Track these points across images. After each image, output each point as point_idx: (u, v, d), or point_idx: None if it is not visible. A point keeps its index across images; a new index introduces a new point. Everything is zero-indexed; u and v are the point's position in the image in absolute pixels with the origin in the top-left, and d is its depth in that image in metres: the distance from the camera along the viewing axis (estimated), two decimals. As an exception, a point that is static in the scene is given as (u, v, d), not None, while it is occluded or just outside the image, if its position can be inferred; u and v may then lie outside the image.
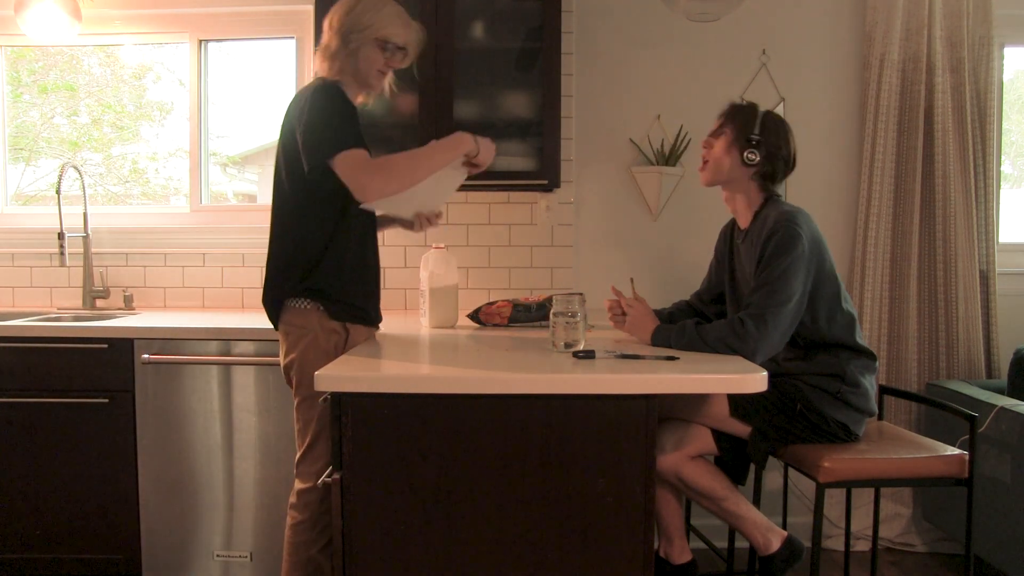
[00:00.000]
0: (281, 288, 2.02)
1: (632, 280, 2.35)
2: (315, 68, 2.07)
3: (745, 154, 2.19)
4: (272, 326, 2.08)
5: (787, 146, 2.23)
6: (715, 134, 2.26)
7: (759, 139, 2.19)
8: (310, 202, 1.98)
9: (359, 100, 2.11)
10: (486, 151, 2.11)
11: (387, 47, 2.02)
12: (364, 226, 2.08)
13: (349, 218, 2.00)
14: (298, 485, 2.04)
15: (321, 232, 1.98)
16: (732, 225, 2.39)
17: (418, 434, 1.64)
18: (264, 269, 2.08)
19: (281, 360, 2.06)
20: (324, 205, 1.97)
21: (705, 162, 2.27)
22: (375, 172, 1.90)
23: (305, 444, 2.03)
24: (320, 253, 1.98)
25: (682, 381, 1.71)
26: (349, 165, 1.88)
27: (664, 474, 2.15)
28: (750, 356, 1.98)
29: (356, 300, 2.04)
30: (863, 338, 2.22)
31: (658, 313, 2.44)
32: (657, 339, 2.08)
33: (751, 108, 2.25)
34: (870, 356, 2.20)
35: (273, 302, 2.05)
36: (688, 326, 2.03)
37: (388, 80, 2.13)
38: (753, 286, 2.09)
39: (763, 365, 1.88)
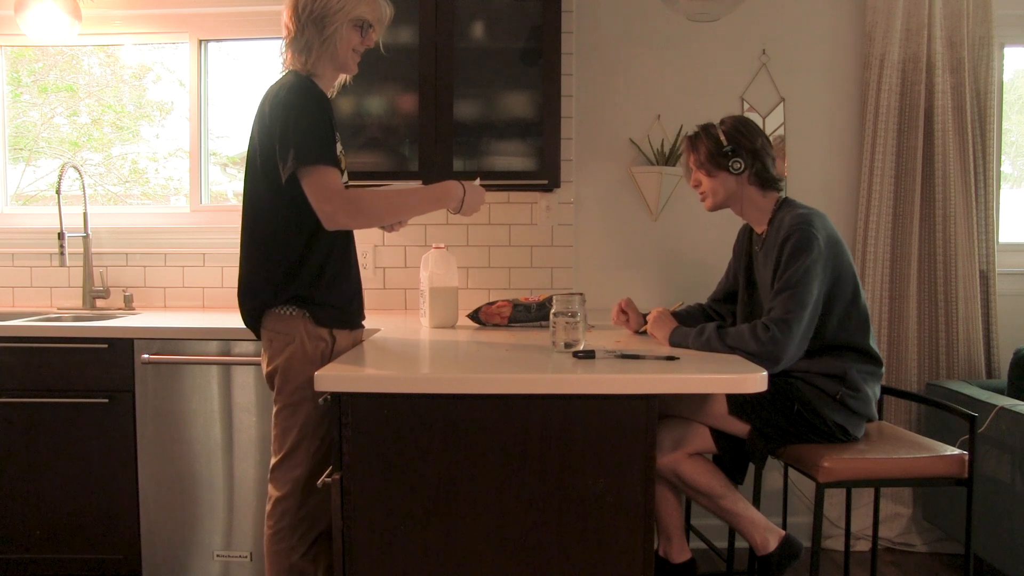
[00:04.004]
0: (262, 295, 1.95)
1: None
2: (286, 63, 2.01)
3: (730, 167, 2.22)
4: (253, 333, 2.03)
5: (759, 136, 2.25)
6: (695, 172, 2.30)
7: (732, 148, 2.21)
8: (288, 204, 1.91)
9: (330, 92, 2.06)
10: (470, 206, 2.09)
11: (362, 26, 1.98)
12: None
13: None
14: (273, 493, 1.98)
15: (300, 235, 1.92)
16: (750, 228, 2.38)
17: (418, 434, 1.64)
18: (239, 274, 2.00)
19: (264, 367, 2.00)
20: (302, 207, 1.89)
21: (702, 194, 2.31)
22: (343, 205, 1.86)
23: (283, 451, 1.97)
24: (300, 256, 1.92)
25: (682, 381, 1.71)
26: (316, 186, 1.84)
27: (663, 472, 2.15)
28: (776, 361, 1.99)
29: (341, 303, 1.99)
30: (875, 341, 2.21)
31: (683, 314, 2.45)
32: (674, 339, 2.11)
33: (705, 130, 2.28)
34: (877, 363, 2.19)
35: (253, 309, 1.99)
36: (708, 328, 2.05)
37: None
38: (774, 291, 2.09)
39: (764, 364, 1.89)
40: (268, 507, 2.00)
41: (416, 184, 2.62)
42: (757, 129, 2.26)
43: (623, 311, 2.40)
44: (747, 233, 2.40)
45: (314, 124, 1.86)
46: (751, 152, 2.22)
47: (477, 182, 2.16)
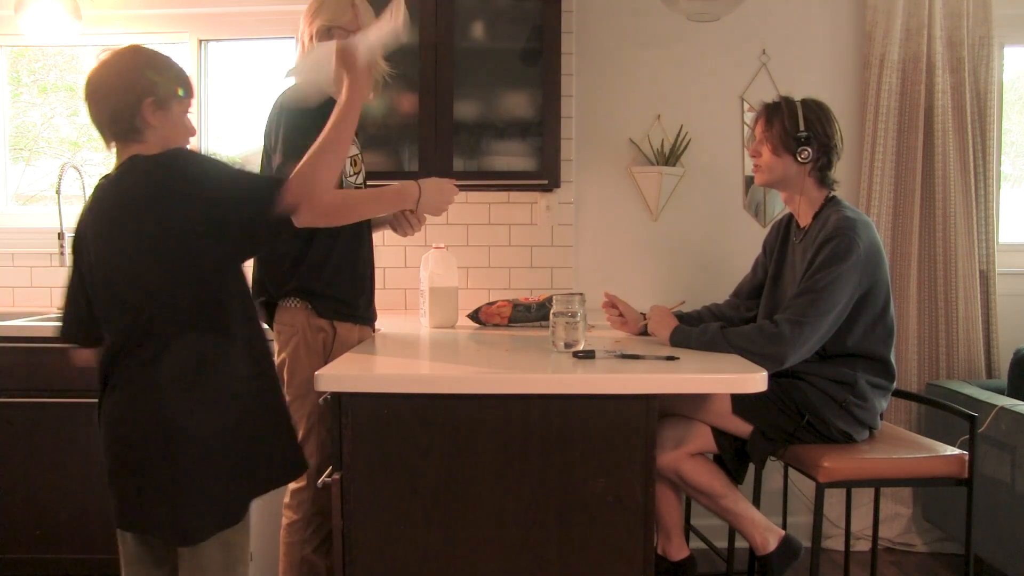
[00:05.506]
0: (269, 290, 2.03)
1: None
2: None
3: (798, 154, 2.16)
4: (269, 327, 2.09)
5: (836, 132, 2.19)
6: (760, 142, 2.22)
7: (808, 135, 2.15)
8: None
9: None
10: (429, 204, 2.07)
11: (332, 33, 2.01)
12: (356, 224, 2.08)
13: None
14: (291, 484, 2.04)
15: (303, 229, 1.93)
16: (788, 220, 2.35)
17: (418, 434, 1.64)
18: (251, 270, 2.07)
19: (275, 359, 2.05)
20: None
21: (757, 166, 2.24)
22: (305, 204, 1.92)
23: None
24: (303, 251, 1.99)
25: (682, 381, 1.71)
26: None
27: (664, 471, 2.15)
28: (779, 361, 1.98)
29: (345, 297, 2.03)
30: (895, 355, 2.19)
31: (686, 315, 2.43)
32: (676, 339, 2.07)
33: (788, 104, 2.19)
34: (890, 378, 2.17)
35: (264, 304, 2.06)
36: (711, 327, 2.03)
37: (380, 72, 2.14)
38: (797, 290, 2.07)
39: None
40: (286, 498, 2.06)
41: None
42: (836, 122, 2.20)
43: (612, 306, 2.35)
44: (783, 226, 2.36)
45: (301, 125, 1.91)
46: (824, 146, 2.16)
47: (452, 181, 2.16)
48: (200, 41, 3.21)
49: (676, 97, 3.14)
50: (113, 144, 1.64)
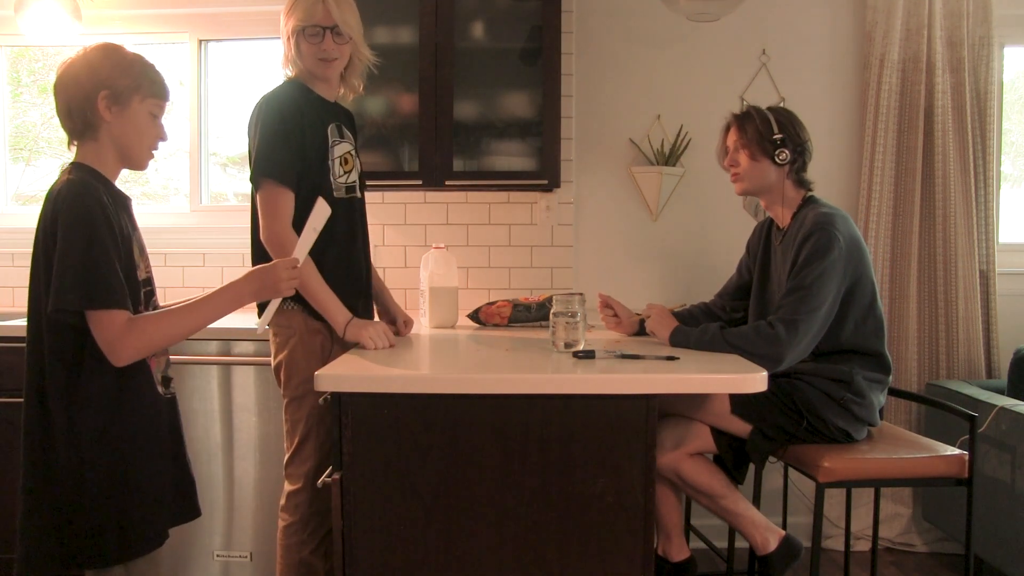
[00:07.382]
0: None
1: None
2: (288, 76, 2.11)
3: (776, 156, 2.17)
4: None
5: (806, 131, 2.22)
6: (735, 150, 2.23)
7: (782, 137, 2.17)
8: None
9: (340, 92, 2.14)
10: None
11: (305, 33, 2.00)
12: (350, 223, 2.07)
13: (331, 216, 1.97)
14: (287, 487, 2.04)
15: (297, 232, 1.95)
16: (770, 222, 2.36)
17: (418, 434, 1.65)
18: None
19: (272, 361, 2.07)
20: (298, 206, 1.96)
21: (736, 175, 2.25)
22: (270, 231, 1.93)
23: (294, 445, 2.03)
24: None
25: (682, 381, 1.71)
26: (264, 198, 1.94)
27: (663, 471, 2.15)
28: (777, 361, 1.98)
29: (342, 299, 2.01)
30: (887, 348, 2.20)
31: (677, 313, 2.43)
32: (676, 339, 2.08)
33: (757, 111, 2.22)
34: (885, 371, 2.18)
35: (262, 304, 2.02)
36: (711, 328, 2.04)
37: (358, 78, 2.16)
38: (786, 290, 2.08)
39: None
40: (282, 500, 2.05)
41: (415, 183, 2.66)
42: (803, 124, 2.23)
43: (607, 306, 2.37)
44: (764, 229, 2.38)
45: (270, 135, 1.93)
46: (799, 146, 2.19)
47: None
48: (200, 41, 3.21)
49: (676, 97, 3.14)
50: (73, 144, 1.65)
